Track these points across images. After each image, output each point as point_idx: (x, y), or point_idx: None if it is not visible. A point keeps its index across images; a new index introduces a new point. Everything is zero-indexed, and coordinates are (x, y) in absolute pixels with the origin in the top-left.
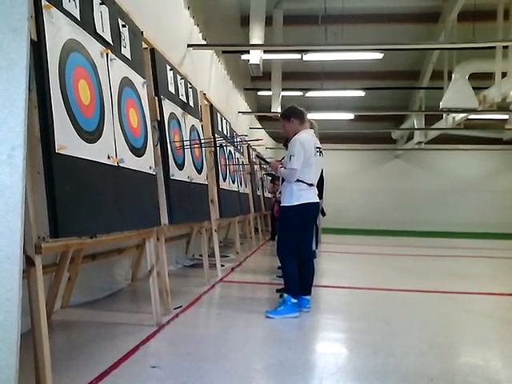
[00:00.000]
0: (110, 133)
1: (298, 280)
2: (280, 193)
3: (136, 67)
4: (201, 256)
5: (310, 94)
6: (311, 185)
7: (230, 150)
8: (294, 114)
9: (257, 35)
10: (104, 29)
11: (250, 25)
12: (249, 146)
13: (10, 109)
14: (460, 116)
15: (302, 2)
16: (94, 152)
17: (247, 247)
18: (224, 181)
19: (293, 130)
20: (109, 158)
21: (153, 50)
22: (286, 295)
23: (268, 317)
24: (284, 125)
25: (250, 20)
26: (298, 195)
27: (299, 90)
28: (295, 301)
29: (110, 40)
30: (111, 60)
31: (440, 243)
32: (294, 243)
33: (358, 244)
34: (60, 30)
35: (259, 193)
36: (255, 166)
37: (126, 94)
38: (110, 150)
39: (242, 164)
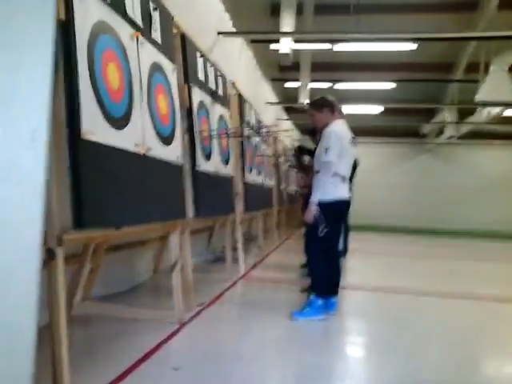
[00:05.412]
0: (139, 119)
1: (326, 280)
2: (304, 187)
3: (166, 52)
4: (223, 250)
5: (338, 85)
6: (344, 178)
7: (256, 142)
8: (325, 104)
9: (287, 24)
10: (135, 11)
11: (280, 13)
12: (275, 138)
13: (35, 89)
14: (496, 110)
15: None
16: (122, 139)
17: (269, 242)
18: (250, 173)
19: (323, 120)
20: (136, 145)
21: (183, 36)
22: (312, 296)
23: (294, 318)
24: (314, 115)
25: (280, 9)
26: (332, 190)
27: (328, 81)
28: (322, 302)
29: (140, 23)
30: (141, 44)
31: (471, 244)
32: (325, 241)
33: (383, 242)
34: (89, 11)
35: (283, 186)
36: (280, 159)
37: (156, 79)
38: (137, 137)
39: (269, 156)
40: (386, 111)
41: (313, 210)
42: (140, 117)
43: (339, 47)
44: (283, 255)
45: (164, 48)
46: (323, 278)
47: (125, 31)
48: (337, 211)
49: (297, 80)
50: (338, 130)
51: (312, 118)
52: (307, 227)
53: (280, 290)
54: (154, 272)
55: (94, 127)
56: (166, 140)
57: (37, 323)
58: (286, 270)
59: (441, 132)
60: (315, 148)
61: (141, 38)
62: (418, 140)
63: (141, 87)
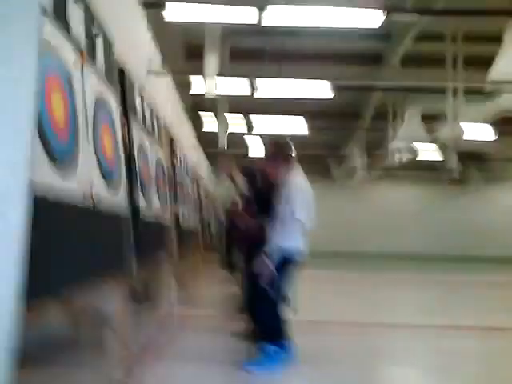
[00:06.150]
0: (86, 164)
1: (278, 326)
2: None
3: (110, 86)
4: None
5: (255, 130)
6: (306, 229)
7: (185, 186)
8: (281, 153)
9: (211, 67)
10: (79, 33)
11: (204, 56)
12: (198, 181)
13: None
14: (408, 155)
15: (246, 39)
16: (69, 190)
17: (191, 280)
18: (182, 217)
19: (278, 171)
20: (85, 196)
21: (122, 70)
22: (266, 344)
23: (247, 370)
24: (269, 166)
25: (204, 51)
26: (294, 241)
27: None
28: (278, 349)
29: (84, 47)
30: (86, 73)
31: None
32: (277, 287)
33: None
34: None
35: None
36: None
37: (102, 115)
38: (85, 186)
39: (194, 198)
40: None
41: (265, 262)
42: (87, 160)
43: (260, 93)
44: (208, 288)
45: (108, 80)
46: (276, 325)
47: (70, 54)
48: (291, 263)
49: (214, 123)
50: (298, 181)
51: (267, 168)
52: (255, 276)
53: (217, 334)
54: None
55: (39, 175)
56: (113, 187)
57: None
58: (217, 307)
59: (352, 174)
60: (256, 190)
61: (86, 65)
62: (331, 181)
63: (87, 124)
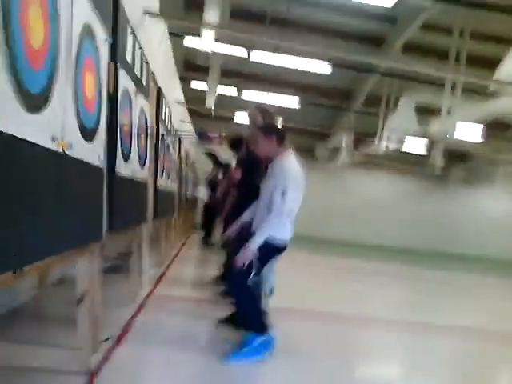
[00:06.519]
0: (60, 101)
1: (261, 316)
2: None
3: (101, 16)
4: (118, 258)
5: (245, 95)
6: (294, 215)
7: (168, 143)
8: (276, 132)
9: (211, 19)
10: None
11: (204, 9)
12: (180, 140)
13: None
14: (395, 144)
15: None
16: (36, 128)
17: (168, 250)
18: (162, 177)
19: (269, 149)
20: (54, 139)
21: (117, 2)
22: (249, 334)
23: (229, 360)
24: (260, 140)
25: (204, 4)
26: (281, 232)
27: (235, 87)
28: (261, 340)
29: None
30: None
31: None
32: (259, 276)
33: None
34: None
35: (183, 190)
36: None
37: (86, 47)
38: (55, 127)
39: (176, 159)
40: (287, 129)
41: (250, 255)
42: (63, 97)
43: (256, 57)
44: (188, 266)
45: (99, 9)
46: (258, 315)
47: None
48: (277, 253)
49: (203, 82)
50: (293, 168)
51: (257, 143)
52: (235, 268)
53: (198, 315)
54: (39, 287)
55: (2, 103)
56: (89, 133)
57: None
58: (196, 284)
59: (335, 155)
60: (242, 160)
61: None
62: (312, 160)
63: (68, 54)
